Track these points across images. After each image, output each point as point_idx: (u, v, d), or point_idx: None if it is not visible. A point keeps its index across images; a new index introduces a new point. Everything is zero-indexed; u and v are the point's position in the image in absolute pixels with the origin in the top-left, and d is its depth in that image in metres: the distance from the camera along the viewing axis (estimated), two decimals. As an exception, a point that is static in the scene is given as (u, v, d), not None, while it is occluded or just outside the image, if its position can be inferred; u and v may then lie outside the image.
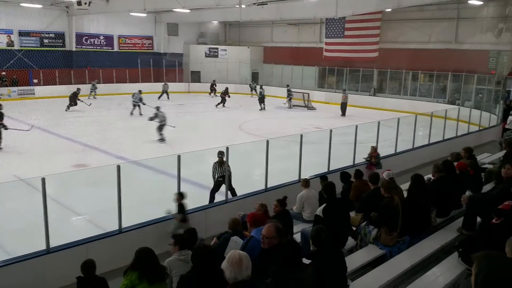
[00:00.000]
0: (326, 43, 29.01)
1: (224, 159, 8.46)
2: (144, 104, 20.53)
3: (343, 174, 7.84)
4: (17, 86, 26.49)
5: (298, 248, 3.31)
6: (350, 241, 5.68)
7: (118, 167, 6.27)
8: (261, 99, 24.38)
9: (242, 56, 33.92)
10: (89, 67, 29.26)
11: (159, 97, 27.12)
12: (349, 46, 27.52)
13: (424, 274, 4.62)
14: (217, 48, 34.53)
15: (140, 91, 21.17)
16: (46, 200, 5.58)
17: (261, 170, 8.76)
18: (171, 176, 9.14)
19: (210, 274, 3.22)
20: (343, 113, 22.92)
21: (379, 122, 11.50)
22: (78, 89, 22.47)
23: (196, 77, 33.99)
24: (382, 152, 11.47)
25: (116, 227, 6.38)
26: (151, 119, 15.56)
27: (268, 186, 8.49)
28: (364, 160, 10.59)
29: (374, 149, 10.61)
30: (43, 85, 27.06)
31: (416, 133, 12.91)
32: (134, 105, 20.89)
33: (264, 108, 24.18)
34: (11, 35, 27.08)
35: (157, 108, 15.86)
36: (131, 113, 20.82)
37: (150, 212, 7.30)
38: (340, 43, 27.95)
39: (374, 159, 10.48)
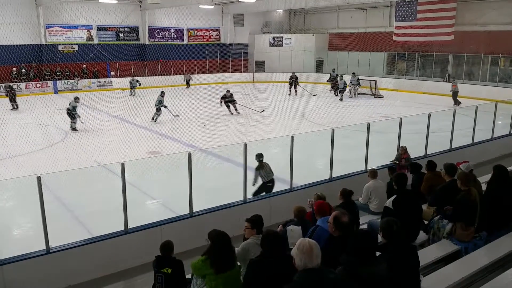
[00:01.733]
0: (396, 27, 27.76)
1: (264, 161, 8.22)
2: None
3: (414, 165, 7.53)
4: (96, 78, 28.42)
5: (373, 240, 3.24)
6: (422, 235, 5.47)
7: (189, 155, 6.55)
8: (338, 87, 24.45)
9: (307, 44, 33.49)
10: (161, 59, 30.57)
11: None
12: (421, 29, 26.08)
13: (503, 273, 4.34)
14: (281, 37, 34.43)
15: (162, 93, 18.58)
16: (125, 184, 5.99)
17: (325, 160, 8.68)
18: (237, 164, 9.39)
19: (278, 259, 3.29)
20: (456, 103, 20.37)
21: (454, 110, 10.87)
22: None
23: (260, 66, 34.21)
24: (457, 142, 10.85)
25: (187, 211, 6.70)
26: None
27: (333, 176, 8.41)
28: (391, 162, 9.16)
29: (404, 150, 9.18)
30: (120, 77, 28.75)
31: (496, 122, 12.04)
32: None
33: (340, 97, 23.90)
34: (90, 30, 29.01)
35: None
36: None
37: (217, 197, 7.57)
38: (412, 27, 26.59)
39: (404, 162, 9.06)
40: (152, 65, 30.14)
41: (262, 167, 8.27)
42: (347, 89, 24.69)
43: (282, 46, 34.20)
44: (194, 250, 4.36)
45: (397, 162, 9.08)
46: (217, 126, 16.49)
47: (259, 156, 8.31)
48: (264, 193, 8.16)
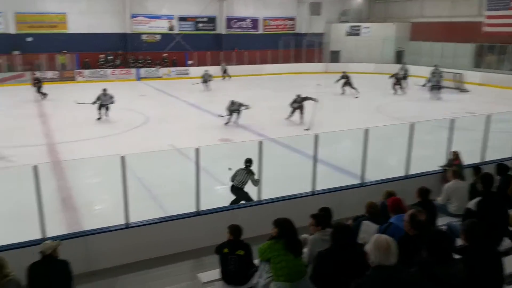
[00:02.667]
0: (488, 17, 25.56)
1: (252, 168, 7.43)
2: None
3: (501, 166, 6.93)
4: (175, 66, 29.70)
5: (451, 240, 3.08)
6: (507, 242, 5.04)
7: (260, 143, 6.63)
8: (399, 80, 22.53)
9: (387, 33, 32.00)
10: (236, 49, 31.15)
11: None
12: (517, 19, 23.84)
13: None
14: (359, 26, 33.31)
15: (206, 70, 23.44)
16: (199, 168, 6.22)
17: (400, 156, 8.30)
18: (305, 155, 9.34)
19: (348, 253, 3.24)
20: None
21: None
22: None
23: (335, 56, 33.44)
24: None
25: (255, 199, 6.81)
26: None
27: (409, 173, 8.03)
28: (440, 168, 8.21)
29: (456, 155, 8.12)
30: (197, 66, 29.79)
31: None
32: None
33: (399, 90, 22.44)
34: (172, 20, 30.31)
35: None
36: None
37: (285, 187, 7.60)
38: (506, 16, 24.35)
39: (454, 167, 7.78)
40: (228, 54, 30.79)
41: (249, 173, 7.49)
42: (426, 81, 23.11)
43: (359, 35, 33.11)
44: (259, 237, 4.42)
45: (447, 168, 7.99)
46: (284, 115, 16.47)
47: (247, 162, 7.57)
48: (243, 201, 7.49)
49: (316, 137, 7.04)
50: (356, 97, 20.82)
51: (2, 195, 7.02)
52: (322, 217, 4.45)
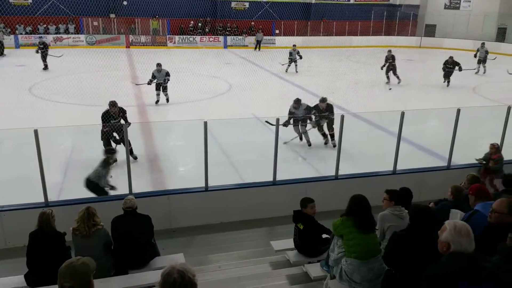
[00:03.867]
0: None
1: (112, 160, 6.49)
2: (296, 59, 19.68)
3: None
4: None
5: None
6: None
7: (342, 117, 6.49)
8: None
9: (489, 8, 28.96)
10: (324, 19, 30.28)
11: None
12: None
13: None
14: (460, -1, 30.54)
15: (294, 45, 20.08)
16: (278, 139, 6.28)
17: (492, 140, 7.60)
18: (389, 133, 8.97)
19: (425, 235, 3.11)
20: None
21: None
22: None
23: (430, 30, 31.13)
24: None
25: (332, 173, 6.74)
26: None
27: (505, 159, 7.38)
28: (477, 161, 7.39)
29: (496, 149, 7.19)
30: (283, 35, 29.56)
31: None
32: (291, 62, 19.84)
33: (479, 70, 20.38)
34: (261, -12, 30.22)
35: None
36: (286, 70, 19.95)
37: (364, 164, 7.41)
38: None
39: (492, 163, 7.08)
40: (315, 24, 30.08)
41: (106, 167, 6.43)
42: None
43: (459, 9, 30.42)
44: (334, 212, 4.40)
45: (484, 162, 7.25)
46: (374, 91, 15.84)
47: (108, 152, 6.63)
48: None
49: (402, 114, 6.71)
50: (390, 89, 16.93)
51: (94, 152, 7.67)
52: (396, 193, 4.33)
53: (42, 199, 5.55)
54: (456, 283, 2.47)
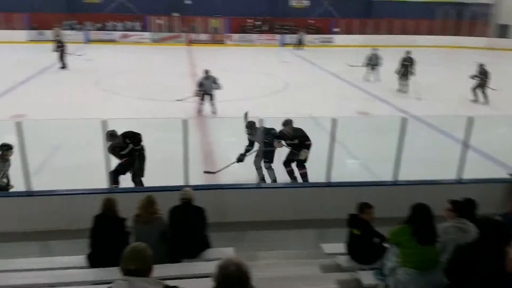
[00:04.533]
0: None
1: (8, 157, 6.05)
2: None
3: None
4: (320, 34, 29.37)
5: None
6: None
7: (403, 120, 6.20)
8: None
9: None
10: (386, 17, 29.30)
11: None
12: None
13: None
14: (540, -4, 28.30)
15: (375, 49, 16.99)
16: (334, 139, 6.14)
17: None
18: (453, 139, 8.47)
19: (495, 251, 2.88)
20: None
21: None
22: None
23: (503, 31, 29.13)
24: None
25: (389, 177, 6.47)
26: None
27: None
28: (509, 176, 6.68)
29: None
30: (342, 34, 28.99)
31: None
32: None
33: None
34: (322, -15, 29.78)
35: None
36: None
37: (426, 170, 7.04)
38: None
39: None
40: (376, 23, 29.19)
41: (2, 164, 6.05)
42: None
43: (540, 8, 28.18)
44: (391, 219, 4.21)
45: None
46: (439, 95, 15.10)
47: (3, 148, 6.06)
48: None
49: (470, 120, 6.29)
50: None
51: (157, 142, 7.96)
52: (460, 204, 4.05)
53: (105, 185, 5.85)
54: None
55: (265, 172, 7.28)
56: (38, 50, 22.28)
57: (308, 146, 7.13)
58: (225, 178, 7.35)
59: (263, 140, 7.01)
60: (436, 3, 30.00)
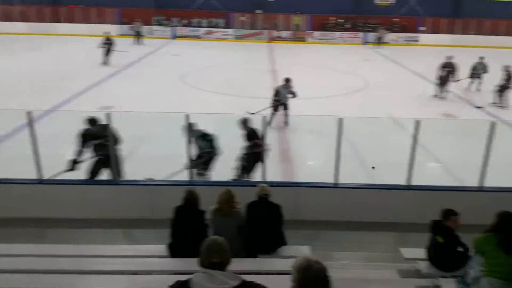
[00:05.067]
0: None
1: None
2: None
3: None
4: (405, 32, 28.18)
5: None
6: None
7: (492, 124, 5.84)
8: None
9: None
10: (477, 17, 27.30)
11: None
12: None
13: None
14: None
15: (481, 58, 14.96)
16: (417, 141, 5.95)
17: None
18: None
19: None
20: None
21: None
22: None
23: None
24: None
25: (475, 184, 6.13)
26: None
27: None
28: None
29: None
30: (429, 33, 27.58)
31: None
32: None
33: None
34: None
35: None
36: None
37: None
38: None
39: None
40: (466, 22, 27.34)
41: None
42: None
43: None
44: (475, 226, 4.01)
45: None
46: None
47: None
48: None
49: (493, 125, 5.78)
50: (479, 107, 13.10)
51: (234, 138, 8.20)
52: None
53: (186, 178, 6.20)
54: None
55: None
56: (127, 43, 23.82)
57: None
58: (299, 175, 7.42)
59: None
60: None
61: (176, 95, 13.72)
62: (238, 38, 28.69)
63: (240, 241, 4.54)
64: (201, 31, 28.92)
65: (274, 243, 4.78)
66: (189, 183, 6.10)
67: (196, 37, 28.64)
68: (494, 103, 13.16)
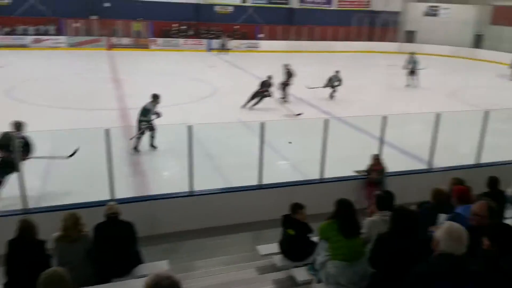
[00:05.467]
0: None
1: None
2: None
3: None
4: (245, 39, 29.81)
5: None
6: None
7: (326, 121, 6.53)
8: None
9: (466, 16, 29.94)
10: (308, 24, 30.57)
11: None
12: None
13: None
14: (438, 7, 31.27)
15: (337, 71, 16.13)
16: (263, 143, 6.28)
17: (471, 143, 7.83)
18: (372, 137, 9.07)
19: (408, 237, 3.17)
20: None
21: None
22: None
23: (410, 37, 31.79)
24: None
25: (317, 176, 6.77)
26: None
27: (481, 161, 7.58)
28: (357, 174, 7.13)
29: (377, 160, 6.91)
30: (267, 40, 29.73)
31: None
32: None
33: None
34: (245, -8, 30.24)
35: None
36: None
37: (349, 168, 7.46)
38: None
39: (375, 174, 6.78)
40: (299, 29, 30.34)
41: None
42: (509, 70, 21.34)
43: (437, 16, 31.12)
44: (320, 215, 4.43)
45: (366, 174, 6.93)
46: (359, 95, 16.03)
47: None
48: None
49: (385, 119, 6.81)
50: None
51: (76, 156, 7.49)
52: (380, 198, 4.33)
53: (20, 206, 5.42)
54: (438, 283, 2.52)
55: None
56: None
57: None
58: (154, 188, 7.18)
59: None
60: (352, 11, 31.90)
61: (1, 112, 11.91)
62: (72, 46, 26.51)
63: (90, 266, 4.17)
64: (28, 39, 25.86)
65: (129, 264, 4.50)
66: (24, 211, 5.33)
67: (23, 46, 25.51)
68: (281, 98, 14.65)
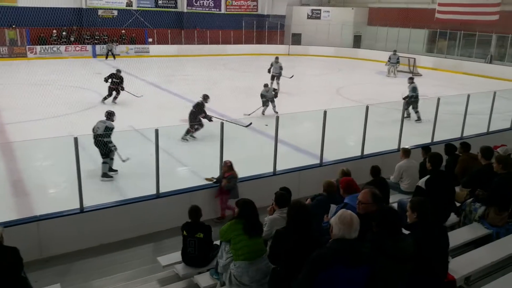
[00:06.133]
0: (440, 4, 26.49)
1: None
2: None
3: (448, 146, 7.27)
4: (134, 44, 28.74)
5: (398, 216, 3.27)
6: (453, 217, 5.35)
7: (222, 124, 6.57)
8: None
9: (346, 17, 32.59)
10: (198, 28, 30.55)
11: None
12: (465, 7, 24.94)
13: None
14: (319, 10, 33.59)
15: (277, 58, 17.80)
16: (158, 150, 6.10)
17: (357, 137, 8.56)
18: (268, 137, 9.42)
19: (303, 230, 3.32)
20: None
21: (495, 93, 10.36)
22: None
23: (296, 39, 33.64)
24: (495, 125, 10.38)
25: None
26: None
27: (364, 153, 8.29)
28: (212, 181, 6.83)
29: (228, 166, 6.60)
30: (157, 44, 29.03)
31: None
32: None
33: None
34: (130, -5, 29.13)
35: None
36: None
37: (247, 168, 7.62)
38: (456, 4, 25.40)
39: (225, 181, 6.50)
40: (189, 33, 30.18)
41: None
42: (386, 67, 23.84)
43: (320, 19, 33.39)
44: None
45: (216, 182, 6.72)
46: (250, 98, 16.41)
47: None
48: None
49: (277, 119, 7.09)
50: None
51: None
52: (280, 196, 4.50)
53: None
54: (334, 266, 2.71)
55: None
56: None
57: None
58: (40, 207, 6.56)
59: None
60: (240, 15, 32.73)
61: None
62: None
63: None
64: None
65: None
66: None
67: None
68: None
